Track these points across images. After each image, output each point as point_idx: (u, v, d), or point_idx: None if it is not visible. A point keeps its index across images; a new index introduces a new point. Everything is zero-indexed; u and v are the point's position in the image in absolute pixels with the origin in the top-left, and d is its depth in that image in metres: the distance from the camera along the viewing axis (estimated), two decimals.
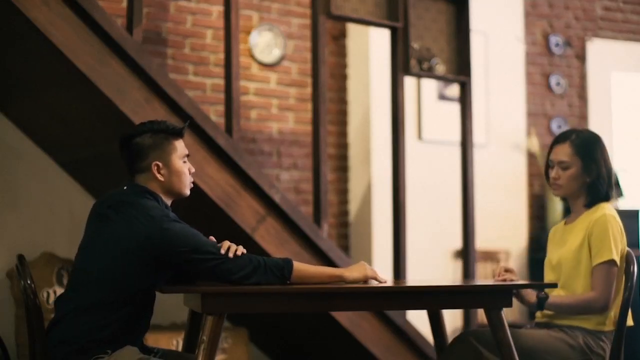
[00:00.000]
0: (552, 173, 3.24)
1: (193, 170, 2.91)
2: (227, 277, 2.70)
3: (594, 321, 3.12)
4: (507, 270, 3.11)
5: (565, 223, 3.31)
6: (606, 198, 3.22)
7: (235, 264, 2.70)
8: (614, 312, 3.13)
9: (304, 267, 2.78)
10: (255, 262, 2.71)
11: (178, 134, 2.88)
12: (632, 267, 3.08)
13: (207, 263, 2.69)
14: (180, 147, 2.87)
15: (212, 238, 2.85)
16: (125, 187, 2.84)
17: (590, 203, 3.22)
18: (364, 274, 2.84)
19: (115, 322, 2.68)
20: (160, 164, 2.81)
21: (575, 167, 3.20)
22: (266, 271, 2.71)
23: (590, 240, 3.13)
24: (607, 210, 3.17)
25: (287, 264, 2.75)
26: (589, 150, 3.21)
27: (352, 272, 2.83)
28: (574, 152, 3.20)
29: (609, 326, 3.13)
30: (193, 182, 2.96)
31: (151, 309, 2.82)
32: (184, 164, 2.87)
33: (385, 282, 2.87)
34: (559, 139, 3.27)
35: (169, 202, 2.87)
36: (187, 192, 2.89)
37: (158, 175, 2.81)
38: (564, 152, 3.22)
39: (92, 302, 2.68)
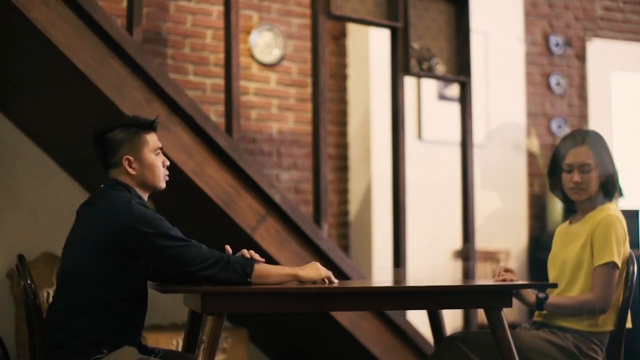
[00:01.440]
0: (575, 177, 3.20)
1: (167, 163, 2.91)
2: (187, 266, 2.67)
3: (586, 323, 3.11)
4: (506, 270, 3.10)
5: (570, 222, 3.30)
6: (612, 196, 3.21)
7: (198, 253, 2.68)
8: (607, 315, 3.12)
9: (264, 267, 2.77)
10: (218, 256, 2.70)
11: (149, 127, 2.88)
12: (631, 267, 3.08)
13: (169, 250, 2.67)
14: (152, 140, 2.86)
15: (228, 247, 2.85)
16: (102, 185, 2.87)
17: (598, 201, 3.21)
18: (318, 274, 2.84)
19: (105, 322, 2.68)
20: (131, 158, 2.82)
21: (596, 168, 3.19)
22: (227, 266, 2.69)
23: (592, 241, 3.12)
24: (612, 211, 3.16)
25: (248, 262, 2.73)
26: (602, 150, 3.21)
27: (307, 271, 2.83)
28: (594, 154, 3.19)
29: (602, 328, 3.11)
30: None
31: (142, 307, 2.80)
32: (156, 157, 2.86)
33: (336, 282, 2.87)
34: (575, 143, 3.22)
35: (145, 195, 2.87)
36: (162, 184, 2.89)
37: (129, 170, 2.82)
38: (585, 155, 3.19)
39: (78, 303, 2.69)
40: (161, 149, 2.90)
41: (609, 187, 3.20)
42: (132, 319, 2.77)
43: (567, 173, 3.21)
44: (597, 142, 3.21)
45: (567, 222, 3.33)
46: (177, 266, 2.70)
